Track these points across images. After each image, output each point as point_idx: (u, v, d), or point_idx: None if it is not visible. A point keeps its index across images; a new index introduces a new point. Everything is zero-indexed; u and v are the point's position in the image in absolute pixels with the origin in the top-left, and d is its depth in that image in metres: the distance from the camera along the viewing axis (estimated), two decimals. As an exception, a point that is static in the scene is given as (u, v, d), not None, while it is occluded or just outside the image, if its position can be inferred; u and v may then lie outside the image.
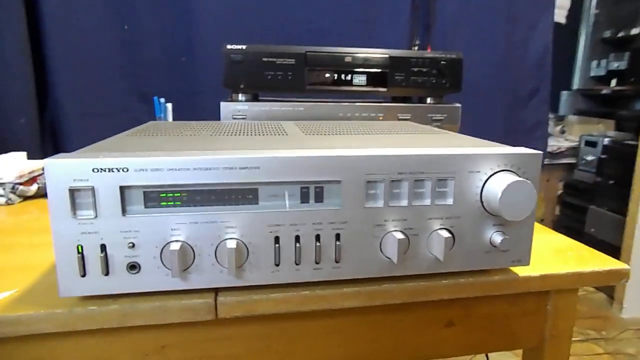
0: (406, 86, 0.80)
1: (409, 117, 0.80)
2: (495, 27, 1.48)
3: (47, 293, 0.40)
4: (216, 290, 0.40)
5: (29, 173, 0.78)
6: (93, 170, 0.35)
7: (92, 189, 0.35)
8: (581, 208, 2.06)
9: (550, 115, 2.34)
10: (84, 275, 0.37)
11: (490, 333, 0.50)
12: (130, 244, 0.37)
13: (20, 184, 0.72)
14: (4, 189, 0.69)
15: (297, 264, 0.40)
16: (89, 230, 0.36)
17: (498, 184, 0.40)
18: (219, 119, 0.81)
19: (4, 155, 0.82)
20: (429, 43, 1.35)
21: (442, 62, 0.79)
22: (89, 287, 0.37)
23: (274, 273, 0.39)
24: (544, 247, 0.53)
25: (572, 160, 2.18)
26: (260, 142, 0.47)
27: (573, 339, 1.48)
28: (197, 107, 1.26)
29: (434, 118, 0.81)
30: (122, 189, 0.36)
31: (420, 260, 0.42)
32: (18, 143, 1.10)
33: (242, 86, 0.77)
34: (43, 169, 0.80)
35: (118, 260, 0.37)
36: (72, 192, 0.35)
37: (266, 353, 0.44)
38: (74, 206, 0.35)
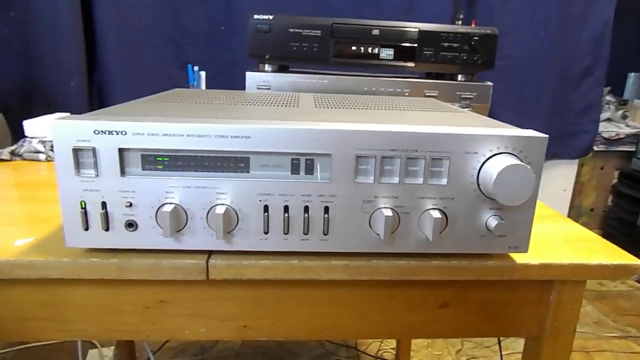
0: (435, 62, 0.78)
1: (436, 94, 0.78)
2: (549, 1, 1.38)
3: (58, 244, 0.43)
4: (209, 253, 0.42)
5: (70, 133, 0.83)
6: (94, 132, 0.37)
7: (94, 150, 0.38)
8: (636, 199, 1.93)
9: (612, 99, 2.17)
10: (87, 229, 0.40)
11: (486, 318, 0.49)
12: (128, 203, 0.39)
13: (60, 142, 0.77)
14: (45, 146, 0.74)
15: (285, 234, 0.41)
16: (90, 188, 0.39)
17: (495, 167, 0.38)
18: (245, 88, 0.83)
19: (49, 116, 0.88)
20: (473, 17, 1.29)
21: (475, 38, 0.76)
22: (91, 241, 0.40)
23: (263, 241, 0.41)
24: (555, 235, 0.51)
25: (631, 149, 2.02)
26: (264, 113, 0.48)
27: (611, 334, 1.42)
28: (235, 76, 1.28)
29: (462, 96, 0.78)
30: (121, 150, 0.38)
31: (410, 239, 0.42)
32: (68, 105, 1.17)
33: (267, 56, 0.77)
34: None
35: (117, 218, 0.39)
36: (76, 151, 0.38)
37: (255, 314, 0.46)
38: (78, 165, 0.38)
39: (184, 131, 0.38)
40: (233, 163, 0.39)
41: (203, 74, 0.96)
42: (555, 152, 1.46)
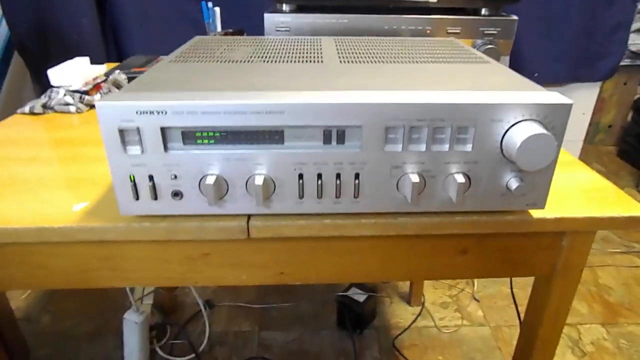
0: (459, -4, 0.74)
1: (458, 31, 0.76)
2: None
3: (111, 208, 0.47)
4: (249, 215, 0.46)
5: (93, 79, 0.85)
6: (137, 112, 0.39)
7: (138, 129, 0.40)
8: (657, 117, 1.90)
9: (643, 8, 2.04)
10: (137, 199, 0.43)
11: (502, 262, 0.53)
12: (173, 176, 0.42)
13: (87, 92, 0.79)
14: (73, 98, 0.76)
15: (319, 198, 0.44)
16: (138, 163, 0.42)
17: (518, 135, 0.40)
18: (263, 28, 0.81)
19: (69, 62, 0.88)
20: None
21: (503, -31, 0.72)
22: (142, 209, 0.44)
23: (298, 204, 0.44)
24: (571, 185, 0.53)
25: (658, 63, 1.94)
26: (292, 75, 0.49)
27: (615, 250, 1.49)
28: (250, 6, 1.23)
29: (485, 32, 0.76)
30: (163, 129, 0.40)
31: (435, 200, 0.45)
32: (84, 43, 1.16)
33: (285, -4, 0.75)
34: (105, 74, 0.86)
35: (164, 188, 0.43)
36: (121, 131, 0.40)
37: (291, 263, 0.51)
38: (124, 143, 0.41)
39: (221, 109, 0.40)
40: (268, 136, 0.41)
41: (217, 10, 0.93)
42: (578, 75, 1.42)
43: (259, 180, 0.42)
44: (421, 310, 1.30)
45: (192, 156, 0.42)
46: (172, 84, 0.45)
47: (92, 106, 0.78)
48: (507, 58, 0.81)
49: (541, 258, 0.53)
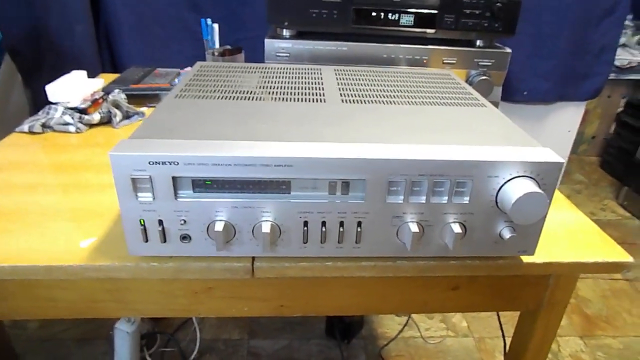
0: (455, 29, 0.76)
1: (454, 62, 0.78)
2: None
3: (118, 245, 0.48)
4: (253, 257, 0.48)
5: (91, 95, 0.85)
6: (149, 162, 0.41)
7: (150, 178, 0.41)
8: (638, 130, 1.96)
9: (631, 23, 2.10)
10: (146, 242, 0.45)
11: (492, 297, 0.56)
12: (182, 221, 0.44)
13: (85, 110, 0.79)
14: (72, 117, 0.76)
15: (322, 243, 0.46)
16: (148, 209, 0.43)
17: (513, 192, 0.42)
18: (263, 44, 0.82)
19: (66, 76, 0.88)
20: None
21: (497, 5, 0.74)
22: (150, 250, 0.45)
23: (302, 249, 0.46)
24: (557, 226, 0.56)
25: (641, 78, 2.01)
26: (298, 120, 0.50)
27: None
28: (245, 18, 1.23)
29: (480, 63, 0.78)
30: (174, 178, 0.42)
31: (432, 246, 0.47)
32: (78, 49, 1.15)
33: (286, 23, 0.76)
34: (103, 90, 0.86)
35: (173, 232, 0.44)
36: (134, 180, 0.41)
37: (291, 297, 0.53)
38: (136, 190, 0.42)
39: (231, 161, 0.41)
40: (276, 186, 0.43)
41: (216, 26, 0.94)
42: (564, 94, 1.46)
43: (266, 228, 0.44)
44: (407, 320, 1.33)
45: (202, 203, 0.43)
46: (181, 129, 0.46)
47: (91, 125, 0.78)
48: (500, 88, 0.84)
49: (529, 294, 0.56)
